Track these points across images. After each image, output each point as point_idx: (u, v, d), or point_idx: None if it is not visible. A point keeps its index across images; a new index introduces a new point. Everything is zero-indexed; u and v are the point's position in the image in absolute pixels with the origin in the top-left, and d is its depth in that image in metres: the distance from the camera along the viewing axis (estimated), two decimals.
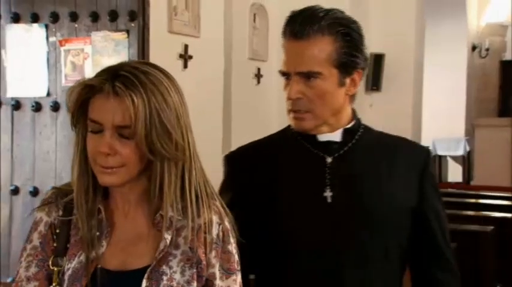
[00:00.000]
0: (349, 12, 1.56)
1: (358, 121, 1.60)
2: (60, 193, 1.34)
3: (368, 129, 1.60)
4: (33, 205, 3.64)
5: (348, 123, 1.56)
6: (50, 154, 3.65)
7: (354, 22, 1.53)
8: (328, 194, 1.50)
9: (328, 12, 1.50)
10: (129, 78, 1.23)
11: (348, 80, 1.52)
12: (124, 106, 1.21)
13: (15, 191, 3.73)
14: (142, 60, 1.39)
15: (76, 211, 1.29)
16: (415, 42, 6.74)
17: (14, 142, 3.73)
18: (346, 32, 1.50)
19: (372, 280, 1.51)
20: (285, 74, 1.52)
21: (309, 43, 1.47)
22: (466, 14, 9.23)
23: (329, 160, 1.53)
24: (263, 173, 1.52)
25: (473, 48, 9.56)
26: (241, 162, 1.56)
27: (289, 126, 1.58)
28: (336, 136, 1.55)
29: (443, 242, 1.59)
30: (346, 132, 1.55)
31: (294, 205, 1.50)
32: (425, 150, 1.62)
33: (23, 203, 3.70)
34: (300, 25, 1.47)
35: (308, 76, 1.47)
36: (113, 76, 1.23)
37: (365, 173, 1.53)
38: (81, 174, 1.29)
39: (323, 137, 1.54)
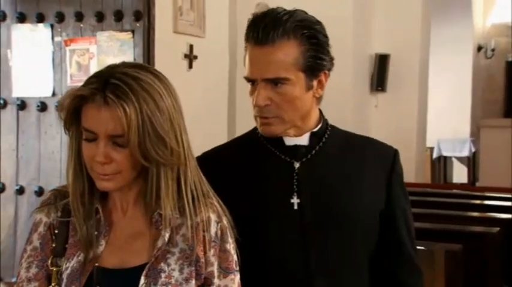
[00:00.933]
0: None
1: (326, 122, 1.57)
2: (59, 194, 1.34)
3: (335, 130, 1.57)
4: (38, 204, 3.65)
5: (316, 126, 1.54)
6: (55, 154, 3.66)
7: (318, 23, 1.49)
8: (295, 200, 1.48)
9: (292, 14, 1.45)
10: (120, 86, 1.21)
11: (315, 83, 1.49)
12: (116, 116, 1.20)
13: (21, 190, 3.73)
14: (133, 62, 1.36)
15: (73, 214, 1.30)
16: (420, 42, 6.73)
17: (19, 142, 3.74)
18: (311, 34, 1.45)
19: (342, 285, 1.50)
20: (251, 80, 1.48)
21: (274, 48, 1.43)
22: (472, 15, 9.21)
23: (297, 165, 1.50)
24: (230, 178, 1.49)
25: (479, 48, 9.53)
26: (208, 167, 1.49)
27: (255, 129, 1.56)
28: (303, 140, 1.52)
29: (409, 244, 1.57)
30: (313, 136, 1.53)
31: (261, 211, 1.48)
32: (393, 150, 1.59)
33: (28, 202, 3.71)
34: (263, 30, 1.43)
35: (275, 82, 1.44)
36: (103, 85, 1.22)
37: (333, 177, 1.51)
38: (76, 178, 1.29)
39: (290, 141, 1.51)
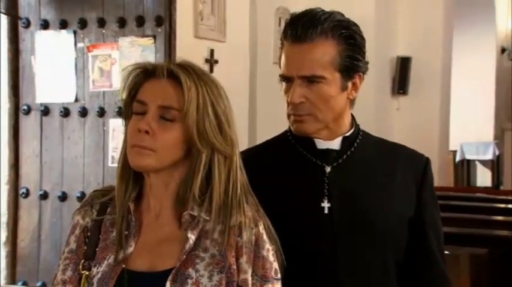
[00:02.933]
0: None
1: (358, 128, 1.57)
2: (98, 194, 1.36)
3: (366, 136, 1.57)
4: (62, 209, 3.69)
5: (348, 130, 1.54)
6: (77, 159, 3.69)
7: (355, 25, 1.49)
8: (325, 204, 1.48)
9: (330, 14, 1.47)
10: (185, 66, 1.27)
11: (349, 84, 1.49)
12: (173, 87, 1.24)
13: (44, 196, 3.77)
14: None
15: (117, 205, 1.30)
16: (442, 45, 6.67)
17: (42, 147, 3.78)
18: (349, 34, 1.46)
19: None
20: (286, 78, 1.48)
21: (312, 46, 1.44)
22: (495, 17, 9.12)
23: (328, 169, 1.50)
24: (260, 181, 1.46)
25: (503, 50, 9.43)
26: None
27: (286, 131, 1.56)
28: (335, 144, 1.52)
29: (437, 252, 1.55)
30: (345, 141, 1.52)
31: (291, 214, 1.47)
32: (425, 158, 1.58)
33: (52, 208, 3.74)
34: (302, 28, 1.44)
35: (311, 80, 1.45)
36: (169, 62, 1.28)
37: (363, 183, 1.51)
38: (124, 171, 1.30)
39: (322, 145, 1.51)
